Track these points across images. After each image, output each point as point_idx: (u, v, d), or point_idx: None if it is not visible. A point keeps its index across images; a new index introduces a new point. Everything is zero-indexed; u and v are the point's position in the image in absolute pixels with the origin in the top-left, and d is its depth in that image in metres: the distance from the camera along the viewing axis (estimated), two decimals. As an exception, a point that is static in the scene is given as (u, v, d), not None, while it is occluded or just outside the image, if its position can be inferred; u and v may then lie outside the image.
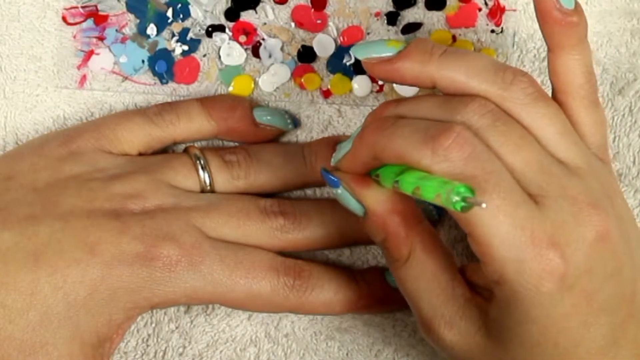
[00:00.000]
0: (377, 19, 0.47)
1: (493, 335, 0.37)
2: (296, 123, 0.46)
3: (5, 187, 0.41)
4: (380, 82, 0.46)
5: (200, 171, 0.44)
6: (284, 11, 0.47)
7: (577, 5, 0.38)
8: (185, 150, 0.45)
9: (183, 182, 0.43)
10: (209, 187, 0.44)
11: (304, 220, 0.44)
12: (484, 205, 0.31)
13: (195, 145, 0.45)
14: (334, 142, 0.45)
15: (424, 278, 0.38)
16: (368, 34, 0.47)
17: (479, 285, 0.38)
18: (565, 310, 0.35)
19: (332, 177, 0.39)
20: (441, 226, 0.46)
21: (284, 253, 0.44)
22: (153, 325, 0.46)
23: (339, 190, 0.39)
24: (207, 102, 0.45)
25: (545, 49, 0.46)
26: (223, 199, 0.43)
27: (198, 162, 0.44)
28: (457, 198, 0.32)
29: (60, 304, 0.40)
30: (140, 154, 0.44)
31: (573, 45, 0.38)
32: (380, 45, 0.39)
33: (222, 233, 0.43)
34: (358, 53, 0.39)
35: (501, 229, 0.34)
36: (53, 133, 0.45)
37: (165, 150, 0.46)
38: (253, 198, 0.44)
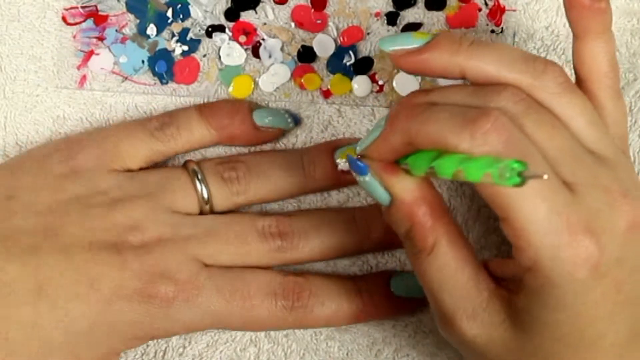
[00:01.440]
0: (377, 19, 0.47)
1: (519, 327, 0.36)
2: (297, 120, 0.46)
3: (8, 209, 0.42)
4: (380, 82, 0.46)
5: (199, 190, 0.44)
6: (284, 11, 0.47)
7: None
8: (184, 165, 0.45)
9: (182, 203, 0.43)
10: (207, 205, 0.44)
11: (302, 238, 0.44)
12: (545, 176, 0.31)
13: (194, 159, 0.45)
14: (332, 149, 0.45)
15: (448, 269, 0.37)
16: (368, 34, 0.47)
17: (503, 278, 0.38)
18: (595, 299, 0.35)
19: (360, 164, 0.38)
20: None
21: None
22: (153, 325, 0.46)
23: (367, 178, 0.38)
24: (205, 111, 0.45)
25: (545, 49, 0.46)
26: (221, 224, 0.43)
27: (197, 180, 0.44)
28: (511, 173, 0.31)
29: (61, 337, 0.40)
30: (141, 168, 0.44)
31: (599, 32, 0.38)
32: (407, 37, 0.38)
33: (220, 260, 0.43)
34: (385, 45, 0.39)
35: (538, 214, 0.34)
36: (55, 144, 0.44)
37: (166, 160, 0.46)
38: (251, 219, 0.44)
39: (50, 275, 0.40)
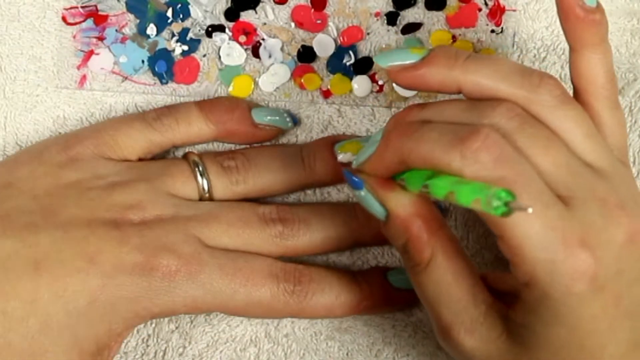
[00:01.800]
0: (377, 19, 0.47)
1: (517, 341, 0.36)
2: (295, 121, 0.46)
3: (5, 195, 0.41)
4: (380, 82, 0.46)
5: (199, 178, 0.44)
6: (284, 11, 0.47)
7: (598, 4, 0.38)
8: (184, 156, 0.45)
9: (182, 190, 0.43)
10: (207, 194, 0.44)
11: (303, 226, 0.44)
12: (530, 210, 0.31)
13: (194, 150, 0.45)
14: (331, 143, 0.45)
15: (445, 283, 0.38)
16: (368, 34, 0.47)
17: (501, 292, 0.38)
18: (594, 312, 0.35)
19: (355, 179, 0.39)
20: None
21: (284, 257, 0.44)
22: (153, 325, 0.46)
23: (362, 193, 0.39)
24: (205, 105, 0.45)
25: (545, 49, 0.46)
26: (222, 208, 0.43)
27: (196, 168, 0.44)
28: (498, 203, 0.31)
29: (60, 313, 0.40)
30: (140, 159, 0.44)
31: (595, 44, 0.38)
32: (403, 52, 0.38)
33: (222, 242, 0.43)
34: (381, 61, 0.39)
35: (532, 230, 0.34)
36: (52, 139, 0.45)
37: (164, 155, 0.46)
38: (252, 205, 0.44)
39: (48, 251, 0.40)
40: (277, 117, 0.45)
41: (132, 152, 0.44)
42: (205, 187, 0.44)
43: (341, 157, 0.45)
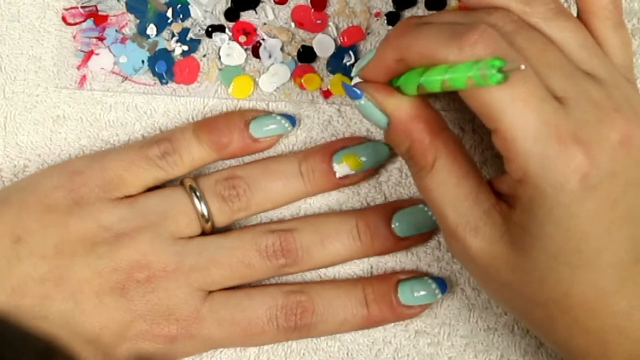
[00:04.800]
0: (377, 19, 0.47)
1: (516, 243, 0.36)
2: (293, 122, 0.46)
3: (16, 255, 0.42)
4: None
5: (200, 211, 0.44)
6: (284, 11, 0.47)
7: None
8: (182, 184, 0.44)
9: (185, 230, 0.44)
10: (209, 224, 0.44)
11: (306, 255, 0.44)
12: (522, 66, 0.32)
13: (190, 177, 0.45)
14: (330, 153, 0.45)
15: (450, 183, 0.38)
16: (368, 34, 0.47)
17: (505, 194, 0.38)
18: (588, 213, 0.35)
19: (354, 89, 0.39)
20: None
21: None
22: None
23: (362, 101, 0.39)
24: (203, 135, 0.44)
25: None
26: (223, 250, 0.43)
27: (197, 200, 0.44)
28: (492, 71, 0.32)
29: None
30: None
31: None
32: (366, 56, 0.40)
33: (224, 285, 0.44)
34: (354, 74, 0.40)
35: (526, 122, 0.35)
36: (58, 175, 0.44)
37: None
38: (253, 239, 0.44)
39: (60, 325, 0.41)
40: (275, 126, 0.45)
41: (137, 189, 0.44)
42: (208, 224, 0.44)
43: (339, 170, 0.45)
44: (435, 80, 0.35)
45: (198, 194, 0.44)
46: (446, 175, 0.38)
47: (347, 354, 0.46)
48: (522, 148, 0.35)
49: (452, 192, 0.38)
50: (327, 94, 0.47)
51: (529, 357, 0.46)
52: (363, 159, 0.45)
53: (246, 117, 0.45)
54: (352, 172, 0.45)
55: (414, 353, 0.46)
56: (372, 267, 0.46)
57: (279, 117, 0.45)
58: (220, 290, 0.44)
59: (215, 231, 0.44)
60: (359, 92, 0.39)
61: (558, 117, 0.35)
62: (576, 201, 0.35)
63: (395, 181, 0.47)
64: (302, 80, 0.47)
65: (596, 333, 0.36)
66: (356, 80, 0.40)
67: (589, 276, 0.36)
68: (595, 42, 0.38)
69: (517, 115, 0.34)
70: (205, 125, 0.45)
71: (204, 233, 0.44)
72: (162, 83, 0.46)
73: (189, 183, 0.44)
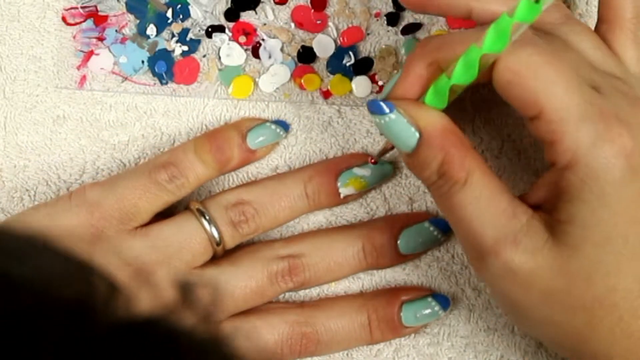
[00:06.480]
0: (377, 20, 0.47)
1: (562, 241, 0.36)
2: (286, 127, 0.46)
3: None
4: (380, 83, 0.46)
5: (212, 237, 0.44)
6: (284, 12, 0.47)
7: None
8: (190, 209, 0.44)
9: (199, 259, 0.44)
10: (220, 247, 0.44)
11: (314, 277, 0.45)
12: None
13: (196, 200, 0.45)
14: (335, 174, 0.45)
15: (485, 198, 0.37)
16: (368, 34, 0.47)
17: (541, 201, 0.38)
18: (633, 196, 0.35)
19: (384, 104, 0.38)
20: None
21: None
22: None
23: (392, 116, 0.38)
24: (205, 153, 0.44)
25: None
26: (236, 280, 0.44)
27: (211, 230, 0.44)
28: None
29: None
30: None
31: None
32: None
33: (234, 313, 0.44)
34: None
35: (572, 101, 0.35)
36: (75, 206, 0.43)
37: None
38: (264, 267, 0.44)
39: None
40: (269, 136, 0.45)
41: (150, 215, 0.44)
42: (219, 247, 0.44)
43: (344, 192, 0.45)
44: (472, 64, 0.35)
45: (207, 217, 0.44)
46: (480, 190, 0.37)
47: (347, 354, 0.46)
48: (569, 128, 0.35)
49: (488, 207, 0.37)
50: (327, 95, 0.47)
51: (529, 358, 0.46)
52: (368, 181, 0.45)
53: (242, 130, 0.45)
54: (356, 192, 0.45)
55: (414, 353, 0.46)
56: (374, 275, 0.46)
57: (273, 126, 0.46)
58: (228, 320, 0.44)
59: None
60: (389, 106, 0.38)
61: (598, 99, 0.35)
62: (624, 182, 0.35)
63: (395, 181, 0.47)
64: (302, 81, 0.47)
65: (638, 334, 0.36)
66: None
67: (634, 266, 0.36)
68: (605, 45, 0.39)
69: (561, 95, 0.35)
70: (207, 144, 0.45)
71: (214, 254, 0.45)
72: (162, 83, 0.46)
73: (198, 207, 0.44)
